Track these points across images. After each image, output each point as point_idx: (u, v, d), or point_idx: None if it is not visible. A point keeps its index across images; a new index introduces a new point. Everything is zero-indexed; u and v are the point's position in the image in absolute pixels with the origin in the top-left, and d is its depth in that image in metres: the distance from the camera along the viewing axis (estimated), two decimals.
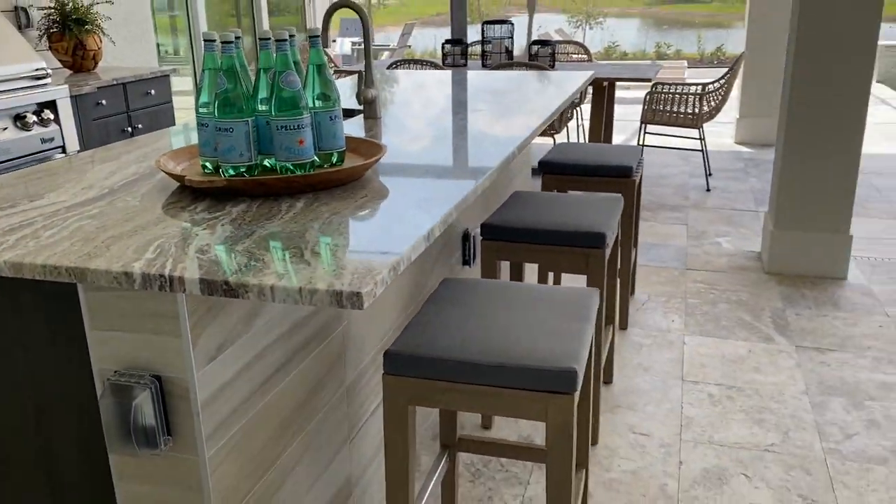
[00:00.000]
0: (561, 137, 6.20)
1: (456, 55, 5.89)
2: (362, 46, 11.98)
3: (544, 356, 1.42)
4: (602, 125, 5.47)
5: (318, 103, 1.74)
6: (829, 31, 3.41)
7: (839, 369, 2.81)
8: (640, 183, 3.31)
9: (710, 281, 3.68)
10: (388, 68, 5.11)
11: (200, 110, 1.71)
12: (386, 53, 11.04)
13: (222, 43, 1.63)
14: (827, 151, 3.54)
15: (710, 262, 3.93)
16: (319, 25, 7.08)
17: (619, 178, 3.01)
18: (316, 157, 1.76)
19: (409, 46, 11.33)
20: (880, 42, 10.18)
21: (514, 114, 2.62)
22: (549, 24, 21.39)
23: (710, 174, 5.64)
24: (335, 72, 6.01)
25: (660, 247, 4.19)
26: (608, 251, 2.27)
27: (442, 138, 2.23)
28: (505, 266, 2.95)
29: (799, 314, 3.29)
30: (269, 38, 1.69)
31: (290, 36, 1.77)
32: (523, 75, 3.83)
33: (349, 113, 2.80)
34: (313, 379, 1.69)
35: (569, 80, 3.47)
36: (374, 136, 2.31)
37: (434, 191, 1.65)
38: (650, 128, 6.63)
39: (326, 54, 6.19)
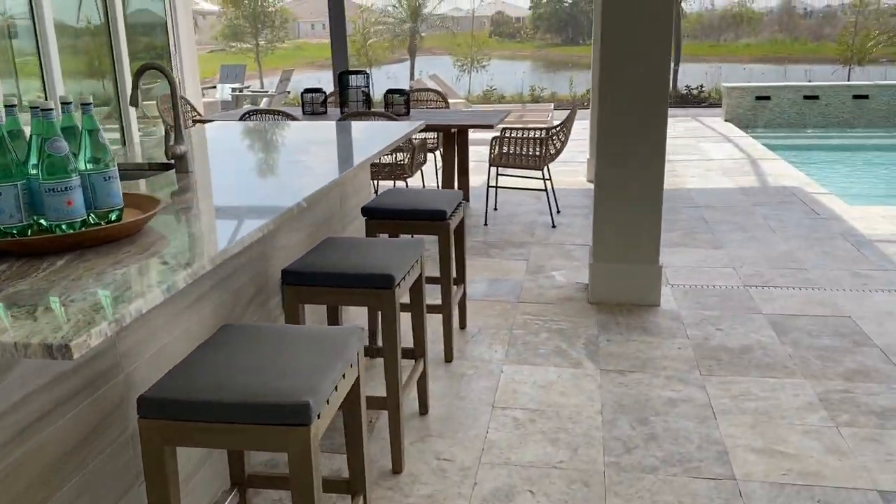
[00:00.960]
0: (415, 181, 6.44)
1: (315, 104, 6.08)
2: (241, 92, 12.03)
3: (282, 392, 1.57)
4: (454, 169, 5.76)
5: (89, 166, 1.86)
6: (627, 86, 3.78)
7: (635, 388, 3.10)
8: (460, 225, 3.55)
9: (537, 312, 3.95)
10: (240, 119, 5.23)
11: None
12: (265, 100, 11.13)
13: None
14: (634, 192, 3.91)
15: (542, 295, 4.21)
16: (189, 76, 7.15)
17: (435, 221, 3.23)
18: (93, 216, 1.87)
19: (289, 93, 11.46)
20: (727, 84, 11.05)
21: (323, 166, 2.80)
22: (434, 68, 22.03)
23: (558, 212, 6.01)
24: (196, 121, 6.07)
25: (500, 282, 4.45)
26: (399, 291, 2.46)
27: (242, 191, 2.38)
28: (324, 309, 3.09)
29: (610, 340, 3.59)
30: (38, 107, 1.80)
31: (66, 103, 1.89)
32: (357, 126, 4.04)
33: (167, 166, 2.90)
34: (87, 426, 1.77)
35: (394, 131, 3.69)
36: (184, 189, 2.44)
37: (203, 245, 1.79)
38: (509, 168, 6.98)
39: (188, 103, 6.19)
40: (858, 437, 2.69)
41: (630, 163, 3.87)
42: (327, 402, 1.67)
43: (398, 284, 2.43)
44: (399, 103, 5.93)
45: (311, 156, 3.16)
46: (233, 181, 2.65)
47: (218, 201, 2.33)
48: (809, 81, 13.09)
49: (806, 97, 10.78)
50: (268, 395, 1.57)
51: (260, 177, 2.74)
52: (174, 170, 2.73)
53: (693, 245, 5.09)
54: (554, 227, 5.63)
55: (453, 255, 3.50)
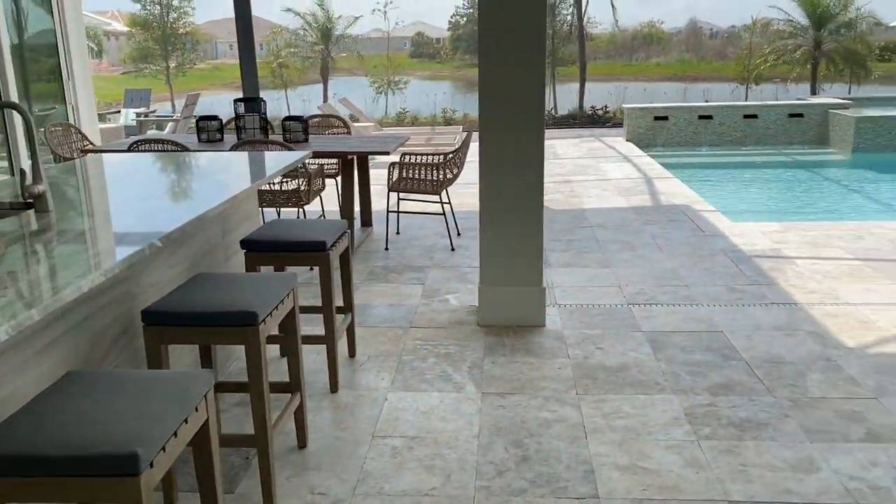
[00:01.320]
0: (314, 207, 6.42)
1: (211, 130, 6.02)
2: (146, 117, 11.75)
3: (110, 442, 1.56)
4: (353, 195, 5.78)
5: None
6: (505, 115, 3.91)
7: (513, 411, 3.18)
8: (345, 254, 3.57)
9: (428, 337, 4.00)
10: (129, 148, 5.12)
11: None
12: (170, 125, 10.90)
13: None
14: (516, 217, 4.02)
15: (434, 319, 4.27)
16: (83, 102, 6.94)
17: (315, 252, 3.25)
18: None
19: (195, 117, 11.26)
20: (628, 105, 11.49)
21: (195, 200, 2.78)
22: (352, 89, 22.04)
23: (458, 234, 6.10)
24: (85, 151, 5.90)
25: (395, 307, 4.49)
26: (265, 327, 2.46)
27: (102, 231, 2.34)
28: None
29: (494, 362, 3.67)
30: None
31: None
32: (244, 156, 4.03)
33: (29, 205, 2.83)
34: None
35: (280, 161, 3.70)
36: (41, 230, 2.38)
37: (39, 293, 1.76)
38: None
39: (79, 131, 5.97)
40: (717, 450, 2.84)
41: (510, 189, 3.99)
42: (163, 449, 1.66)
43: (263, 321, 2.43)
44: (297, 130, 5.94)
45: (185, 189, 3.14)
46: (94, 220, 2.60)
47: (73, 243, 2.28)
48: (706, 101, 13.74)
49: (701, 117, 11.31)
50: (95, 445, 1.55)
51: (125, 214, 2.70)
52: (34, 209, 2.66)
53: (583, 264, 5.25)
54: (453, 250, 5.71)
55: (337, 285, 3.52)
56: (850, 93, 18.93)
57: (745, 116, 11.31)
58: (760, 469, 2.71)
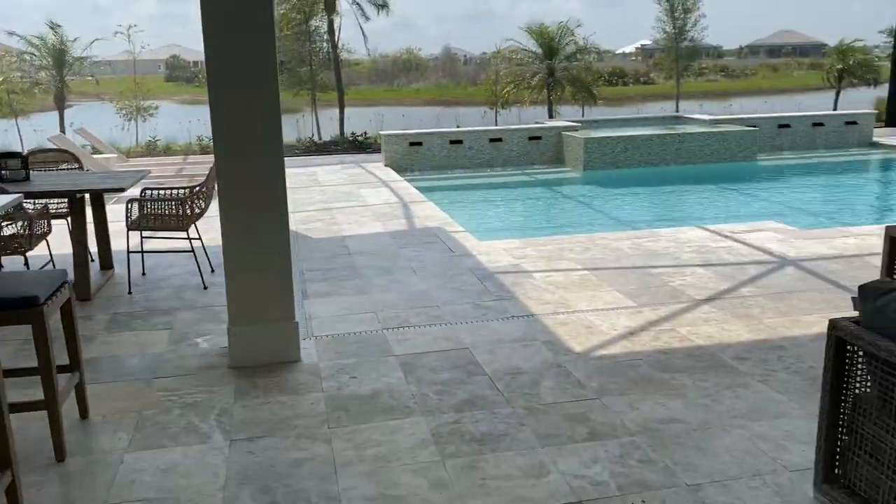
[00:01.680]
0: (41, 252, 5.81)
1: None
2: None
3: None
4: (85, 237, 5.32)
5: None
6: (241, 142, 3.82)
7: (262, 455, 3.09)
8: (67, 306, 3.26)
9: (174, 387, 3.77)
10: None
11: None
12: None
13: None
14: (261, 254, 3.94)
15: (181, 367, 4.03)
16: None
17: (25, 309, 2.92)
18: None
19: None
20: (384, 132, 11.79)
21: None
22: (98, 116, 20.37)
23: (212, 271, 5.84)
24: None
25: (138, 357, 4.18)
26: None
27: None
28: None
29: (245, 405, 3.55)
30: None
31: None
32: None
33: None
34: None
35: None
36: None
37: None
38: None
39: None
40: (459, 467, 2.97)
41: (252, 221, 3.90)
42: None
43: None
44: (16, 168, 5.34)
45: None
46: None
47: None
48: (458, 126, 14.55)
49: (452, 142, 11.96)
50: None
51: None
52: None
53: (341, 293, 5.28)
54: (206, 288, 5.46)
55: (51, 342, 3.18)
56: (583, 115, 21.08)
57: (491, 140, 12.14)
58: (498, 480, 2.87)
